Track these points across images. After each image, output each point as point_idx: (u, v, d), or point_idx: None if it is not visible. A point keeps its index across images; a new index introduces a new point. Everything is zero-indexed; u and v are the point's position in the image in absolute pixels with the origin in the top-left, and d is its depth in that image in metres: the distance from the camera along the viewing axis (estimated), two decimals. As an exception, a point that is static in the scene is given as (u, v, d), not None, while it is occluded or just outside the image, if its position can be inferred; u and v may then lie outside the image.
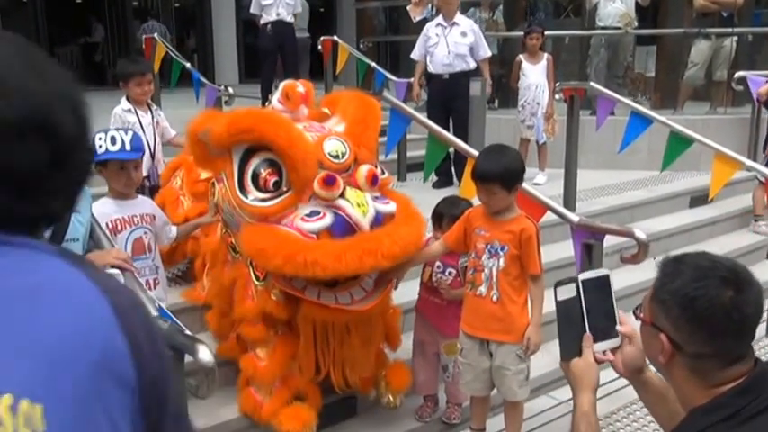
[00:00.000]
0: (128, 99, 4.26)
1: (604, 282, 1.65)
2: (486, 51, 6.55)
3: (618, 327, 1.66)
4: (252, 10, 8.51)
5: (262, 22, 8.32)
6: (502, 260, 2.91)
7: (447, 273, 3.32)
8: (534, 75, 6.72)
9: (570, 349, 1.63)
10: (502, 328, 2.96)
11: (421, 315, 3.45)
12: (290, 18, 8.27)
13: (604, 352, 1.65)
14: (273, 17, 8.18)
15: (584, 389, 1.62)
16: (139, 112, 4.24)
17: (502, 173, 2.88)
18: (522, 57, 6.85)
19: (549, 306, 3.68)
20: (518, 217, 2.96)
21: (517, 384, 3.03)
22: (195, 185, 3.78)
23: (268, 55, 8.40)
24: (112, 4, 15.69)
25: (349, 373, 2.97)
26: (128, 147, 2.96)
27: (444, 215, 3.27)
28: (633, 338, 1.66)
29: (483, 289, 2.96)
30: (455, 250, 3.15)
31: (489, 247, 2.94)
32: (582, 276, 1.62)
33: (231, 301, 3.18)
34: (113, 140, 2.95)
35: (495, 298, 2.94)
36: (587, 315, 1.61)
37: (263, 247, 2.67)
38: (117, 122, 4.18)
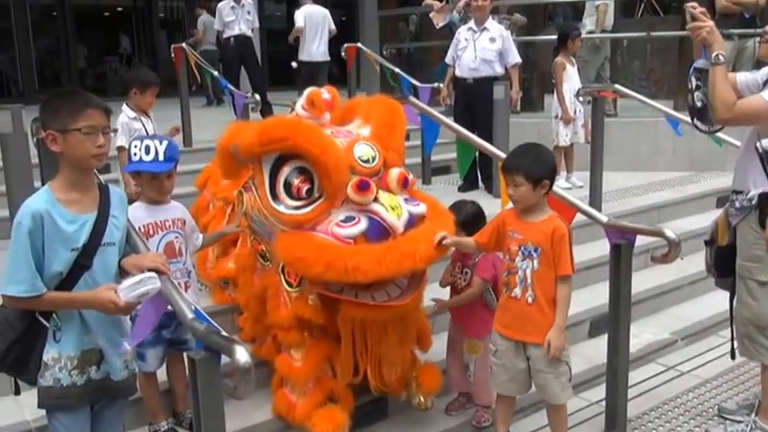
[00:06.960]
0: (129, 107, 4.37)
1: None
2: (515, 57, 6.53)
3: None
4: (216, 26, 9.29)
5: (224, 36, 9.08)
6: (536, 261, 2.91)
7: (464, 273, 3.39)
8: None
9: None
10: (538, 330, 2.93)
11: (451, 313, 3.52)
12: (249, 33, 9.00)
13: None
14: (236, 32, 8.92)
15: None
16: (143, 120, 4.37)
17: (526, 163, 2.91)
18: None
19: (575, 308, 3.68)
20: (550, 218, 2.97)
21: (560, 387, 3.00)
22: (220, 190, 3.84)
23: (232, 66, 9.11)
24: (139, 16, 15.90)
25: (386, 372, 2.97)
26: (161, 157, 2.98)
27: None
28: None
29: (518, 291, 2.95)
30: (485, 249, 3.17)
31: (523, 248, 2.94)
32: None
33: (264, 308, 3.20)
34: (147, 150, 2.98)
35: (530, 299, 2.93)
36: None
37: (302, 255, 2.67)
38: (125, 130, 4.29)
